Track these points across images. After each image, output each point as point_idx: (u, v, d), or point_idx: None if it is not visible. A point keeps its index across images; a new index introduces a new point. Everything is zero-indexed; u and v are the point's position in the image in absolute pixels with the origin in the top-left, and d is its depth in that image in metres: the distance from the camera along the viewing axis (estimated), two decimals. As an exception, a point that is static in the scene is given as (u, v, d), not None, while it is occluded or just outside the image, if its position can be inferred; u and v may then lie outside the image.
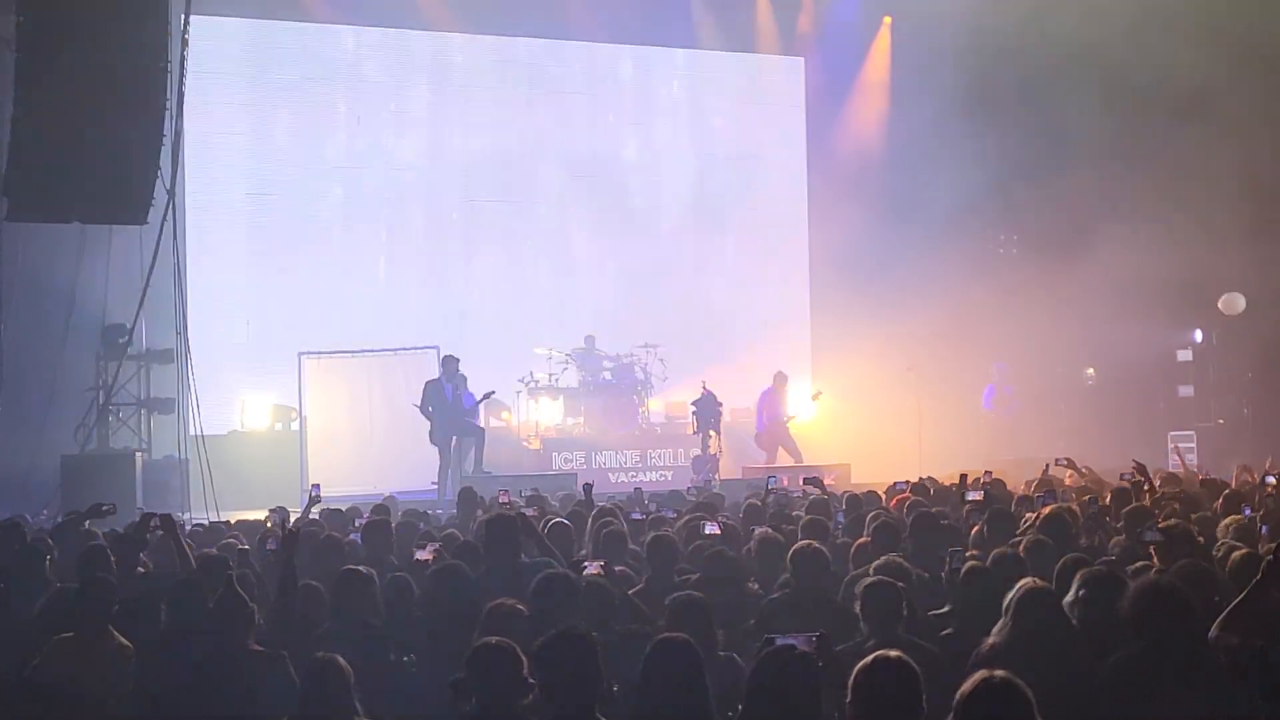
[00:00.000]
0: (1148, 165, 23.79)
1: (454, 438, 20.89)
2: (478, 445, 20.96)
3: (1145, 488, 11.79)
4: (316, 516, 13.20)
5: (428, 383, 21.00)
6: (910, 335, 23.68)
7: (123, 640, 7.65)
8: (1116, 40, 22.93)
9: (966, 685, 4.45)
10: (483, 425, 21.88)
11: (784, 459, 22.86)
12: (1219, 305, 24.33)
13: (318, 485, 14.15)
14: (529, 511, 11.00)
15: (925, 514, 10.02)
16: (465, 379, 21.34)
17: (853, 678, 4.64)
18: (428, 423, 20.83)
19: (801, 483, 14.98)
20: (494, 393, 21.89)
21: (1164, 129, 23.32)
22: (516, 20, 25.61)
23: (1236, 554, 8.17)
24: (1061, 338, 24.83)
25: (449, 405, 20.78)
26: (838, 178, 27.13)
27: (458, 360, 21.09)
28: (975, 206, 24.95)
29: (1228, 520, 9.94)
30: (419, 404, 20.87)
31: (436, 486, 20.62)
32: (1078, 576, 7.06)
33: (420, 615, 8.02)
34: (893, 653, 4.71)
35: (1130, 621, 6.41)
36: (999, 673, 4.50)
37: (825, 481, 15.21)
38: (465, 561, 8.79)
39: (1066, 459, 15.04)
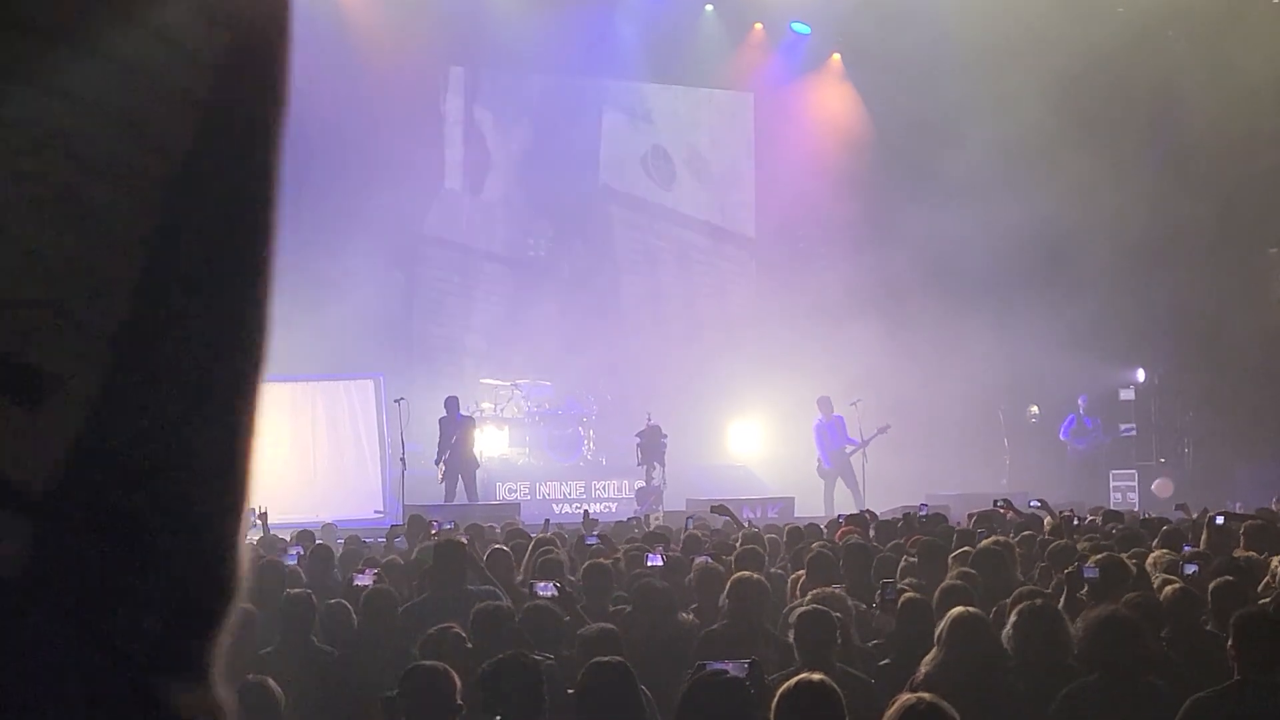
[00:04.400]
0: (1088, 204, 24.02)
1: (458, 474, 21.15)
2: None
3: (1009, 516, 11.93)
4: (252, 542, 13.17)
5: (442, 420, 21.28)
6: (854, 369, 23.76)
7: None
8: (1056, 78, 23.26)
9: (891, 711, 4.47)
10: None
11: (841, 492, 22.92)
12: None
13: (254, 509, 14.19)
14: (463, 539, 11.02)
15: (859, 546, 10.07)
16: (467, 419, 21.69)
17: (775, 700, 4.64)
18: (368, 449, 20.89)
19: (710, 510, 15.00)
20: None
21: (1114, 167, 23.56)
22: (466, 51, 25.72)
23: (1168, 588, 8.24)
24: (1006, 375, 24.94)
25: (451, 445, 21.05)
26: (784, 212, 27.32)
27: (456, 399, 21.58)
28: (917, 245, 25.05)
29: (1154, 556, 10.03)
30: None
31: (380, 514, 20.64)
32: (1013, 609, 7.12)
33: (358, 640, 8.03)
34: (815, 675, 4.72)
35: (1084, 653, 6.50)
36: (925, 695, 4.52)
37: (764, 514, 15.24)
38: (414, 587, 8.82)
39: (1005, 500, 15.08)
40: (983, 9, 23.37)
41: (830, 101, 27.91)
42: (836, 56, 27.71)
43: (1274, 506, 16.57)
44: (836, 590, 8.33)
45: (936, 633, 6.70)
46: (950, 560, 10.01)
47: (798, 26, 27.52)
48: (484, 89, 26.90)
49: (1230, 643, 6.29)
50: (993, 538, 10.61)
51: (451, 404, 21.27)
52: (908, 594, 8.02)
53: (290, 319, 22.18)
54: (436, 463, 20.98)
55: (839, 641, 6.96)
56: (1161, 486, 24.14)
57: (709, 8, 27.12)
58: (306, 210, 24.07)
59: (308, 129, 24.05)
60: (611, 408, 24.73)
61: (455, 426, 20.99)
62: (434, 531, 12.13)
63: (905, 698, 4.52)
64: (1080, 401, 24.96)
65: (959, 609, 6.77)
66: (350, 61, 24.56)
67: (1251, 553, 10.59)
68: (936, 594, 8.08)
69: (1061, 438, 24.88)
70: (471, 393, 24.10)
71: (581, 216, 27.15)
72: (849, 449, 22.95)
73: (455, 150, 26.67)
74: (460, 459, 20.89)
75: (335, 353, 22.93)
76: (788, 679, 5.85)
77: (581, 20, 25.94)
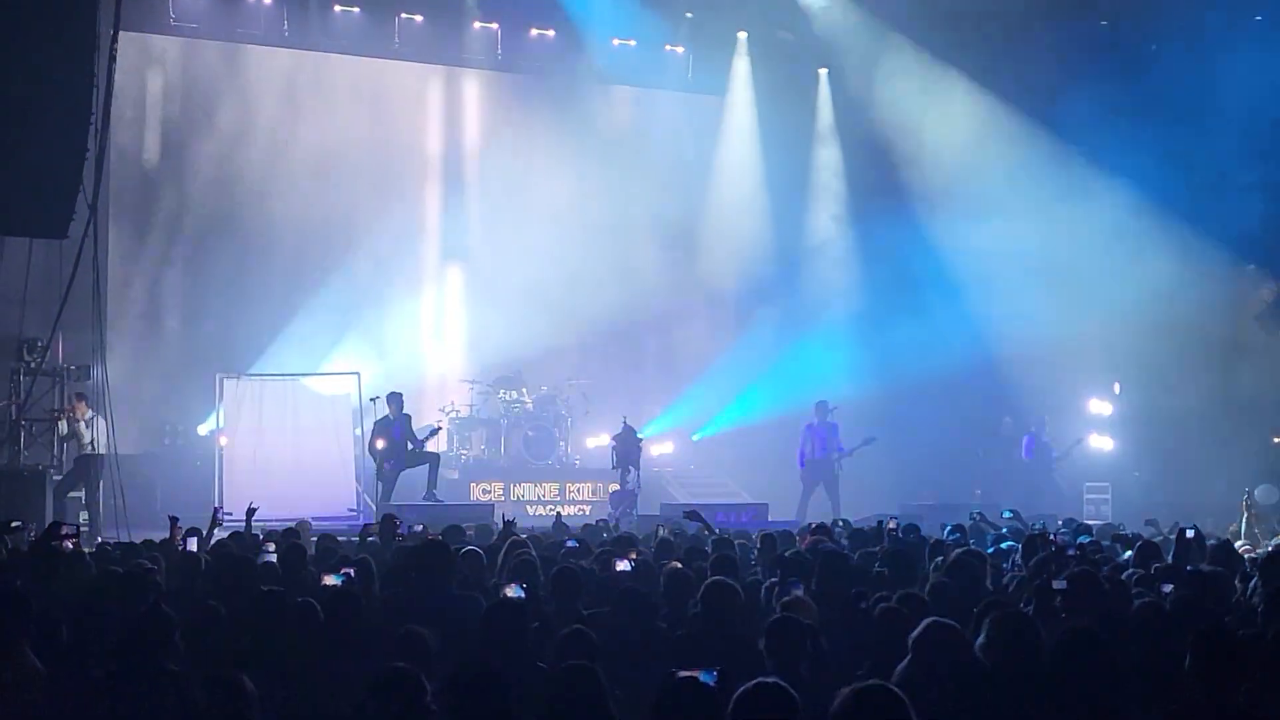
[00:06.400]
0: (1068, 216, 24.09)
1: (401, 472, 20.59)
2: (432, 468, 20.70)
3: None
4: (224, 539, 13.15)
5: (376, 422, 20.76)
6: (830, 378, 23.79)
7: (36, 663, 7.25)
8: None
9: (844, 695, 4.48)
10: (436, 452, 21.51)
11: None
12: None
13: (219, 508, 14.26)
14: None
15: (834, 554, 10.06)
16: (409, 417, 21.03)
17: (732, 703, 4.64)
18: (343, 447, 20.80)
19: (684, 515, 15.05)
20: (440, 428, 21.80)
21: (1091, 179, 23.65)
22: (443, 51, 25.75)
23: (1138, 602, 8.28)
24: (981, 386, 24.97)
25: (396, 442, 20.54)
26: (762, 222, 27.34)
27: (402, 396, 20.96)
28: (895, 255, 25.08)
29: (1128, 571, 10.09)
30: (369, 444, 20.71)
31: (354, 512, 20.55)
32: (985, 618, 7.13)
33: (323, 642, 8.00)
34: (770, 679, 4.73)
35: (1051, 666, 6.53)
36: (879, 681, 4.56)
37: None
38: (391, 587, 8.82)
39: (979, 514, 15.19)
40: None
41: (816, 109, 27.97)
42: (824, 71, 27.72)
43: (1244, 504, 16.72)
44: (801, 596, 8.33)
45: (910, 641, 6.70)
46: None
47: (781, 34, 27.50)
48: (466, 94, 26.86)
49: (1189, 660, 6.23)
50: (965, 548, 10.64)
51: (393, 400, 20.84)
52: (884, 604, 8.02)
53: (267, 317, 22.28)
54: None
55: (810, 648, 6.96)
56: (1266, 494, 23.27)
57: (688, 15, 27.06)
58: (299, 214, 24.14)
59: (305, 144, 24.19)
60: (589, 410, 24.73)
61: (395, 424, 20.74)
62: (400, 534, 12.21)
63: (859, 684, 4.54)
64: (1036, 421, 24.77)
65: (931, 619, 6.78)
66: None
67: (1219, 567, 10.69)
68: (898, 602, 8.09)
69: (1025, 458, 24.70)
70: (448, 393, 24.08)
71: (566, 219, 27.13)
72: (836, 455, 22.79)
73: (435, 158, 26.65)
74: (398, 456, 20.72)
75: (313, 352, 22.97)
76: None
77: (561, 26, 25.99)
